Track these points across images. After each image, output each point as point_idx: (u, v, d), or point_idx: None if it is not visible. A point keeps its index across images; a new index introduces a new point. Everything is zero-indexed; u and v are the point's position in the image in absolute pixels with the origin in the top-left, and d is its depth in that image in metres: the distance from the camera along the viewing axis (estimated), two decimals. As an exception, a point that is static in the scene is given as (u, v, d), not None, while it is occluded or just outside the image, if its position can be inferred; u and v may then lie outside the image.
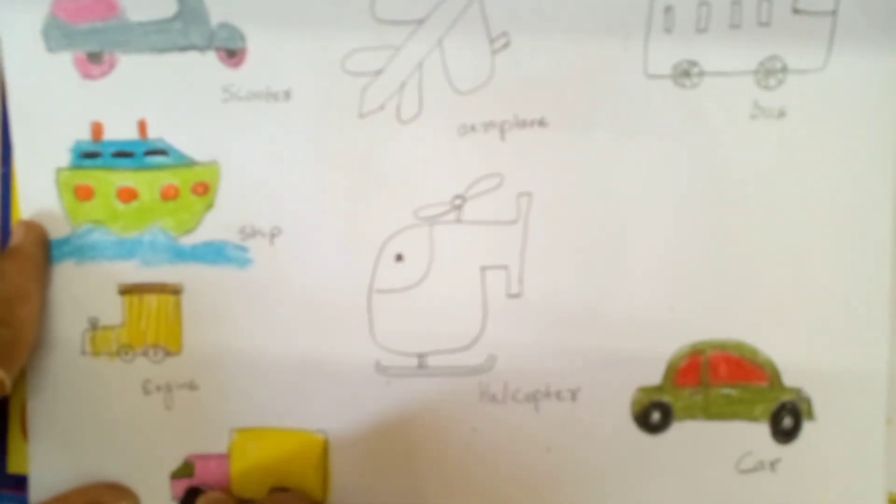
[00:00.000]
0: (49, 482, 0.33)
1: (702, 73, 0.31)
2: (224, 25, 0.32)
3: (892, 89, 0.30)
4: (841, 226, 0.31)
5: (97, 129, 0.32)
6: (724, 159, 0.31)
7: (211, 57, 0.32)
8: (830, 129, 0.30)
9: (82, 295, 0.33)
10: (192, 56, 0.32)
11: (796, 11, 0.30)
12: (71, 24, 0.32)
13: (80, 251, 0.33)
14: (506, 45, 0.31)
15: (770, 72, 0.30)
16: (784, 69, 0.30)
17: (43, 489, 0.33)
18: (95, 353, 0.33)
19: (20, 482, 0.34)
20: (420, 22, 0.31)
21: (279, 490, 0.33)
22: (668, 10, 0.30)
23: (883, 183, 0.30)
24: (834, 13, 0.30)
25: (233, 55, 0.32)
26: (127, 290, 0.33)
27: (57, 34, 0.32)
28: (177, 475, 0.33)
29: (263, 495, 0.33)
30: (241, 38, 0.32)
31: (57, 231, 0.33)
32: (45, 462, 0.33)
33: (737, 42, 0.30)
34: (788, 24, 0.30)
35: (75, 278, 0.33)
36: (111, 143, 0.32)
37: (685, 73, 0.31)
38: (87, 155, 0.33)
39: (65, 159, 0.33)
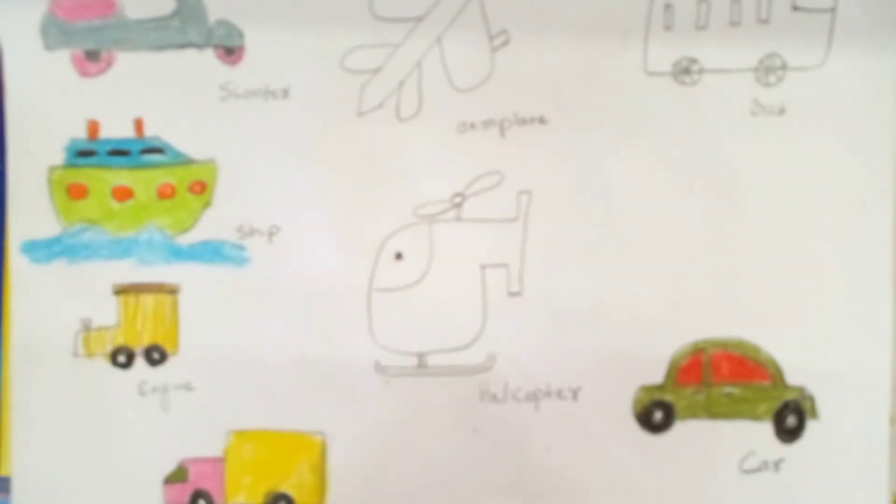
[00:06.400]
0: (35, 485, 0.30)
1: (702, 71, 0.29)
2: (222, 23, 0.30)
3: (891, 85, 0.28)
4: (842, 223, 0.29)
5: (93, 128, 0.30)
6: (724, 156, 0.29)
7: (209, 54, 0.30)
8: (830, 126, 0.29)
9: (74, 295, 0.30)
10: (190, 54, 0.30)
11: (795, 9, 0.28)
12: (69, 22, 0.30)
13: (73, 250, 0.30)
14: (505, 43, 0.29)
15: (770, 69, 0.29)
16: (784, 66, 0.29)
17: (28, 492, 0.30)
18: (89, 355, 0.31)
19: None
20: (419, 19, 0.29)
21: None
22: (668, 7, 0.29)
23: (883, 179, 0.28)
24: (833, 10, 0.28)
25: (231, 53, 0.30)
26: (122, 290, 0.31)
27: (55, 32, 0.30)
28: (170, 480, 0.31)
29: (259, 499, 0.31)
30: (240, 35, 0.30)
31: (46, 230, 0.30)
32: (31, 465, 0.30)
33: (736, 39, 0.28)
34: (788, 22, 0.28)
35: (67, 278, 0.30)
36: (107, 142, 0.30)
37: (685, 70, 0.29)
38: (82, 153, 0.30)
39: (59, 157, 0.30)
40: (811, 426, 0.29)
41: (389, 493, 0.30)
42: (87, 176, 0.30)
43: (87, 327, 0.31)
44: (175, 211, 0.30)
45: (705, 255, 0.29)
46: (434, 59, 0.30)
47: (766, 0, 0.28)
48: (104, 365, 0.31)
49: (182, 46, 0.30)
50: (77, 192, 0.30)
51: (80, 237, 0.30)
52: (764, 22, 0.29)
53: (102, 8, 0.30)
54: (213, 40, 0.30)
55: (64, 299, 0.30)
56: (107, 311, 0.31)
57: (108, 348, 0.31)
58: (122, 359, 0.31)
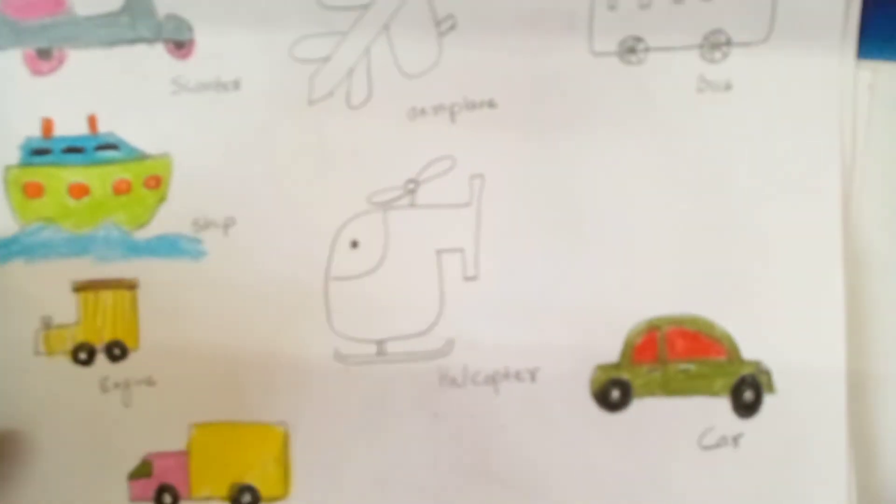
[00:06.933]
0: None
1: (647, 49, 0.29)
2: (171, 17, 0.30)
3: (834, 57, 0.28)
4: (791, 197, 0.29)
5: (47, 126, 0.30)
6: (672, 134, 0.29)
7: (159, 49, 0.30)
8: (776, 101, 0.28)
9: (33, 294, 0.30)
10: (141, 49, 0.30)
11: (737, -16, 0.29)
12: (19, 21, 0.30)
13: (31, 250, 0.30)
14: (452, 28, 0.29)
15: (715, 45, 0.29)
16: (728, 42, 0.29)
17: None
18: (50, 353, 0.31)
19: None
20: (366, 7, 0.29)
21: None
22: (611, -13, 0.29)
23: (830, 152, 0.28)
24: (774, -16, 0.28)
25: (181, 47, 0.30)
26: (81, 288, 0.30)
27: (6, 31, 0.30)
28: (134, 475, 0.30)
29: (224, 491, 0.31)
30: (189, 29, 0.30)
31: (3, 230, 0.30)
32: None
33: (680, 17, 0.28)
34: (730, -2, 0.29)
35: (25, 277, 0.30)
36: (61, 139, 0.30)
37: (630, 49, 0.29)
38: (37, 152, 0.30)
39: (14, 157, 0.30)
40: (768, 400, 0.29)
41: (353, 481, 0.30)
42: (42, 174, 0.30)
43: (47, 325, 0.30)
44: (131, 206, 0.30)
45: (656, 232, 0.29)
46: (382, 46, 0.30)
47: (709, -23, 0.28)
48: (65, 363, 0.31)
49: (132, 42, 0.30)
50: (33, 191, 0.30)
51: (38, 236, 0.30)
52: (707, -1, 0.29)
53: (52, 5, 0.30)
54: (163, 34, 0.30)
55: (23, 299, 0.30)
56: (67, 309, 0.30)
57: (69, 346, 0.30)
58: (83, 356, 0.31)
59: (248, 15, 0.30)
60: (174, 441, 0.30)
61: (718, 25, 0.29)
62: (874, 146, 0.29)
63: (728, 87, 0.29)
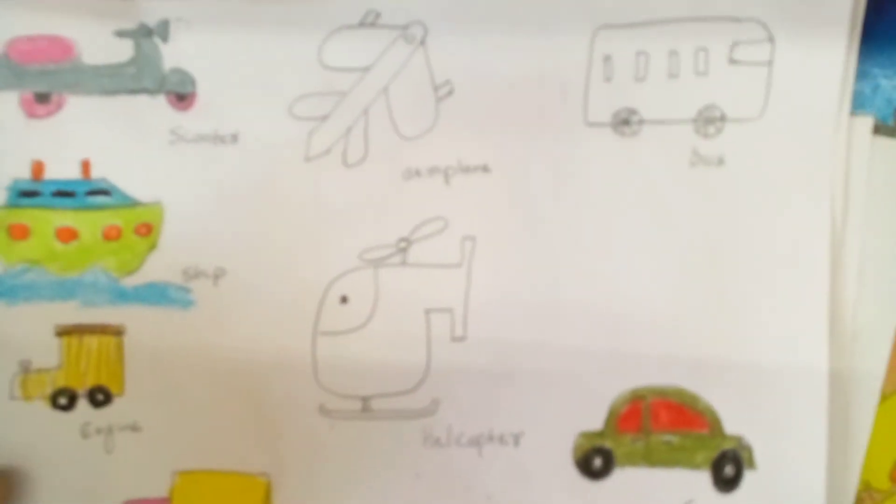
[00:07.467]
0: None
1: (641, 122, 0.29)
2: (176, 70, 0.30)
3: (826, 137, 0.28)
4: (779, 274, 0.29)
5: (37, 168, 0.30)
6: (663, 207, 0.29)
7: (160, 100, 0.30)
8: (768, 177, 0.29)
9: (13, 337, 0.30)
10: (142, 99, 0.30)
11: (732, 62, 0.29)
12: (22, 66, 0.30)
13: (13, 291, 0.30)
14: (449, 93, 0.30)
15: (709, 120, 0.29)
16: (722, 118, 0.29)
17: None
18: (27, 397, 0.30)
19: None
20: (366, 69, 0.30)
21: None
22: (607, 59, 0.29)
23: (820, 231, 0.29)
24: (770, 63, 0.29)
25: (182, 99, 0.30)
26: (65, 332, 0.30)
27: (6, 74, 0.30)
28: (113, 523, 0.30)
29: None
30: (192, 82, 0.30)
31: None
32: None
33: (675, 91, 0.29)
34: (725, 74, 0.29)
35: (5, 320, 0.30)
36: (52, 183, 0.30)
37: (625, 121, 0.29)
38: (25, 193, 0.30)
39: (0, 198, 0.30)
40: (748, 476, 0.29)
41: (332, 538, 0.30)
42: (29, 216, 0.30)
43: (25, 369, 0.30)
44: (121, 253, 0.30)
45: (645, 303, 0.29)
46: (380, 108, 0.30)
47: (704, 53, 0.29)
48: (44, 408, 0.30)
49: (134, 92, 0.30)
50: (18, 233, 0.30)
51: (21, 278, 0.30)
52: (702, 74, 0.29)
53: (59, 53, 0.30)
54: (166, 86, 0.30)
55: (2, 341, 0.30)
56: (48, 353, 0.30)
57: (48, 390, 0.30)
58: (62, 401, 0.30)
59: (251, 72, 0.30)
60: (156, 488, 0.30)
61: (713, 101, 0.29)
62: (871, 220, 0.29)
63: (721, 162, 0.29)
